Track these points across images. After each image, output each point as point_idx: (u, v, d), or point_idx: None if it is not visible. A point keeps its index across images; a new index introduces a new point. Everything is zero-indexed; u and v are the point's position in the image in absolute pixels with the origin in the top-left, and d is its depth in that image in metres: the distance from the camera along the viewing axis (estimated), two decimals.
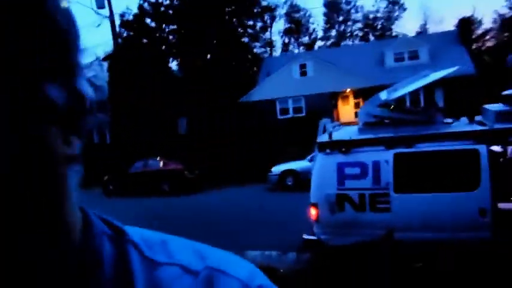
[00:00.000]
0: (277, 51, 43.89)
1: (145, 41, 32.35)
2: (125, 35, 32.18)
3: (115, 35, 30.56)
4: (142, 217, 12.61)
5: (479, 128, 6.24)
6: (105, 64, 32.23)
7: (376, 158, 6.36)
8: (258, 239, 8.87)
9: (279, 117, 27.04)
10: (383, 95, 6.86)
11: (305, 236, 6.93)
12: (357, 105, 25.10)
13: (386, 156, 6.32)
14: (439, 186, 6.11)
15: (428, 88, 20.48)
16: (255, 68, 32.42)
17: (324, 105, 24.89)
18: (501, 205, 6.16)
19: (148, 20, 33.99)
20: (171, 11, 33.57)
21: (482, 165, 5.89)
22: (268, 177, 16.56)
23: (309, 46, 44.53)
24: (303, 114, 26.11)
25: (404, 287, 5.65)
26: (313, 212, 6.72)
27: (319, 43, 45.91)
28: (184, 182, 18.65)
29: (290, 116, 26.81)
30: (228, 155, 21.24)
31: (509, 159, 6.74)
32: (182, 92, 28.27)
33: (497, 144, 6.38)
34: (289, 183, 14.94)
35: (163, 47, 33.03)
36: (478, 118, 6.79)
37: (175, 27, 33.99)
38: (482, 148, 5.94)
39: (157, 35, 33.72)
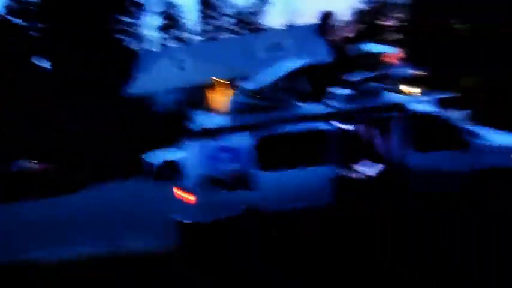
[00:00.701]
0: (155, 47, 43.31)
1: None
2: None
3: None
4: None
5: (327, 109, 7.24)
6: None
7: (242, 142, 7.00)
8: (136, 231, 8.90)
9: (155, 109, 26.99)
10: (247, 85, 7.50)
11: (176, 217, 7.26)
12: (229, 95, 26.02)
13: (251, 140, 6.99)
14: (296, 163, 6.96)
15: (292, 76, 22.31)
16: (131, 63, 31.56)
17: (199, 97, 25.55)
18: (342, 173, 7.21)
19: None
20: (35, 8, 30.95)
21: (329, 143, 6.87)
22: (147, 169, 16.40)
23: (185, 40, 44.78)
24: (178, 106, 26.36)
25: (268, 255, 6.25)
26: (186, 194, 7.11)
27: (195, 38, 46.37)
28: (52, 181, 17.29)
29: (166, 108, 26.85)
30: (105, 149, 20.48)
31: (354, 135, 7.92)
32: (53, 90, 26.41)
33: (345, 123, 7.45)
34: (169, 173, 14.85)
35: (29, 44, 30.33)
36: (328, 102, 7.82)
37: (42, 25, 31.44)
38: (330, 127, 6.92)
39: (24, 32, 30.87)
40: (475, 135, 7.02)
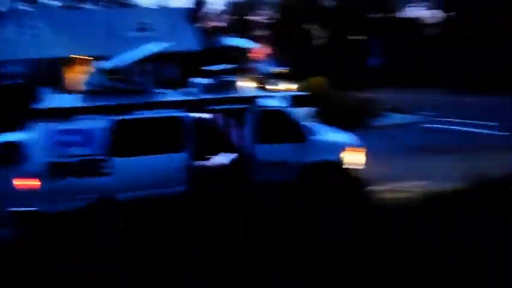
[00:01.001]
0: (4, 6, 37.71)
1: None
2: None
3: None
4: None
5: (185, 97, 7.31)
6: None
7: (96, 125, 6.67)
8: None
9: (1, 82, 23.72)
10: (106, 64, 7.15)
11: (15, 209, 6.63)
12: (86, 73, 24.27)
13: (105, 123, 6.69)
14: (151, 150, 6.90)
15: (158, 59, 21.93)
16: None
17: (51, 71, 23.24)
18: (197, 163, 7.41)
19: None
20: None
21: (185, 130, 6.96)
22: None
23: (41, 4, 40.00)
24: (22, 81, 23.56)
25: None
26: (29, 182, 6.53)
27: (53, 2, 41.74)
28: None
29: (6, 82, 23.76)
30: None
31: (210, 125, 8.16)
32: None
33: (202, 112, 7.62)
34: (11, 156, 13.29)
35: None
36: (188, 90, 7.88)
37: None
38: (186, 116, 7.01)
39: None
40: (312, 131, 7.81)
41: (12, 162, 6.60)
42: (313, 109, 13.83)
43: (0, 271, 5.38)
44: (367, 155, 7.94)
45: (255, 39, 41.25)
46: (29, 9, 35.02)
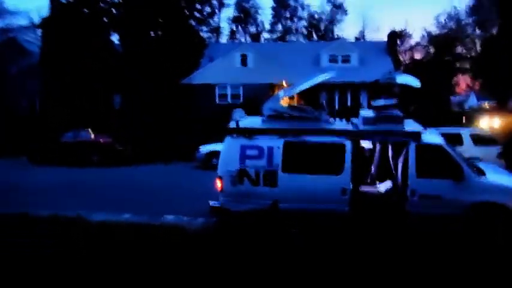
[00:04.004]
0: (224, 38, 44.92)
1: (86, 10, 31.62)
2: (63, 0, 30.98)
3: (52, 0, 29.69)
4: (65, 185, 13.55)
5: (348, 128, 8.12)
6: (40, 30, 31.38)
7: (270, 144, 8.03)
8: (175, 207, 10.28)
9: (217, 102, 28.36)
10: (281, 93, 8.53)
11: (211, 203, 8.48)
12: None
13: (278, 143, 8.01)
14: (315, 169, 7.89)
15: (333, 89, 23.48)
16: (199, 52, 33.18)
17: (261, 95, 26.55)
18: (362, 187, 8.09)
19: None
20: None
21: (346, 156, 7.75)
22: (195, 156, 17.91)
23: (255, 36, 46.01)
24: (241, 101, 27.51)
25: (285, 247, 7.25)
26: (218, 183, 8.28)
27: (265, 35, 47.51)
28: (114, 154, 19.41)
29: (228, 102, 28.14)
30: (161, 132, 22.30)
31: (370, 153, 8.70)
32: (121, 67, 28.58)
33: (363, 141, 8.28)
34: (215, 163, 16.14)
35: (105, 19, 32.68)
36: (354, 120, 8.66)
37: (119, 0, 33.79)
38: (348, 143, 7.80)
39: (100, 5, 33.21)
40: (481, 170, 7.79)
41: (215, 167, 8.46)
42: (496, 148, 13.06)
43: None
44: None
45: (456, 71, 38.78)
46: (246, 42, 40.79)
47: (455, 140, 11.72)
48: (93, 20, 30.12)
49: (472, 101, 38.60)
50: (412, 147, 7.65)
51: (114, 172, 17.16)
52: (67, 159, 18.89)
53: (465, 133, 13.69)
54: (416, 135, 7.71)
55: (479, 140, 13.54)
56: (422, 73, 24.86)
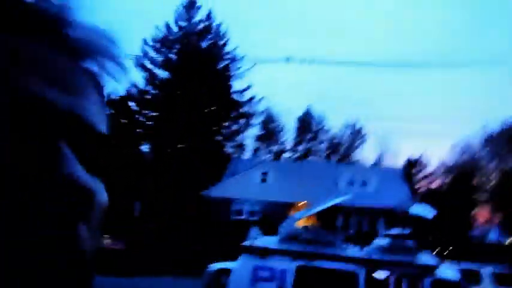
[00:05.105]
0: (247, 154, 46.64)
1: (124, 121, 34.09)
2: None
3: None
4: None
5: (361, 255, 8.13)
6: None
7: (283, 266, 8.05)
8: None
9: (233, 217, 28.49)
10: (297, 215, 8.78)
11: None
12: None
13: (290, 266, 8.02)
14: None
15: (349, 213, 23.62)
16: (222, 166, 34.33)
17: (279, 213, 26.70)
18: None
19: (132, 103, 36.53)
20: (151, 98, 36.40)
21: (359, 284, 7.65)
22: (204, 274, 17.45)
23: (277, 154, 47.71)
24: (256, 218, 27.59)
25: None
26: None
27: (286, 154, 49.23)
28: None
29: (244, 217, 28.23)
30: (177, 244, 22.25)
31: (383, 283, 8.52)
32: (147, 175, 29.71)
33: (376, 270, 8.19)
34: (223, 282, 15.56)
35: (140, 130, 35.05)
36: (367, 248, 8.67)
37: (155, 114, 36.50)
38: (361, 272, 7.75)
39: (136, 117, 35.88)
40: None
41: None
42: None
43: None
44: None
45: (477, 202, 38.47)
46: (267, 160, 42.25)
47: (472, 277, 11.34)
48: (129, 130, 32.19)
49: (494, 235, 37.49)
50: (427, 282, 7.53)
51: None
52: None
53: (485, 272, 13.08)
54: (431, 269, 7.64)
55: (504, 279, 12.83)
56: (439, 203, 24.91)
